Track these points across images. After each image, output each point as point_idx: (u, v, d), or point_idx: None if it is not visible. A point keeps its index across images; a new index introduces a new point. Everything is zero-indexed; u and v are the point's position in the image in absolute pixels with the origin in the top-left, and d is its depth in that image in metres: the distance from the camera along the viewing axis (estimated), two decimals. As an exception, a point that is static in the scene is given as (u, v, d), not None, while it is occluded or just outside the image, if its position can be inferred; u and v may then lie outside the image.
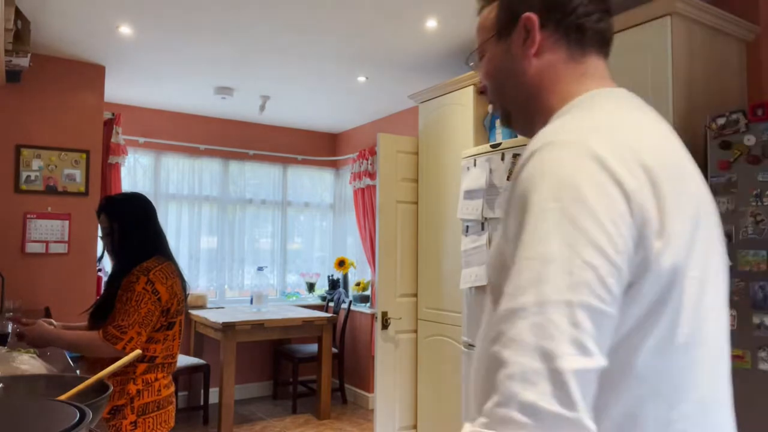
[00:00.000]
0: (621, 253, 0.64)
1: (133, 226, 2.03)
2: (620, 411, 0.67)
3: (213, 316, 4.50)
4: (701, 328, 0.72)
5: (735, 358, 2.10)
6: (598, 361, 0.62)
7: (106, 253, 2.08)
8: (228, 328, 4.20)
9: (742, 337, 2.08)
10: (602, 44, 0.88)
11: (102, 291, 2.12)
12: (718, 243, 0.79)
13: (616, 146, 0.69)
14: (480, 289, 2.95)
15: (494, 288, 0.77)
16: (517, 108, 0.91)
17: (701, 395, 0.71)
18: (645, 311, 0.67)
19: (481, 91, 0.92)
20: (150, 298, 1.91)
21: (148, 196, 2.18)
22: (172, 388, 2.03)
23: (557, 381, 0.58)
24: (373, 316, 4.98)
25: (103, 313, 1.95)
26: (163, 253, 2.05)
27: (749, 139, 2.10)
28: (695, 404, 0.71)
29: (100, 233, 2.12)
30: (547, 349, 0.59)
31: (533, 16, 0.84)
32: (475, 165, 3.02)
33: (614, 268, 0.64)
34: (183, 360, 4.33)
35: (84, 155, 3.78)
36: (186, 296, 2.08)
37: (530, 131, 0.88)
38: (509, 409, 0.59)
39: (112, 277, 2.04)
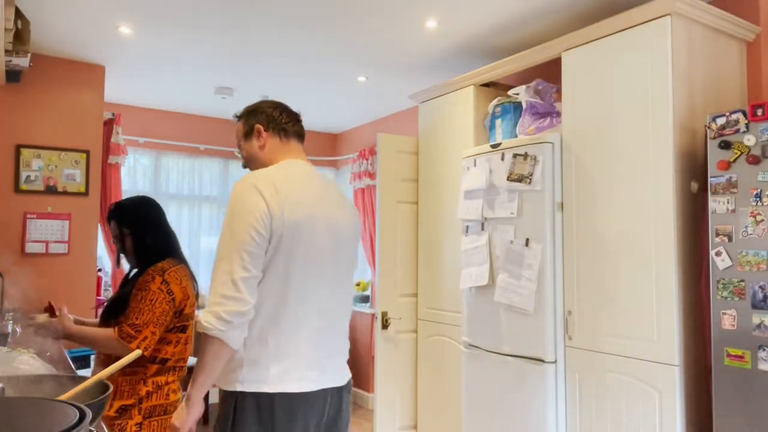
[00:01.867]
0: (262, 227, 1.50)
1: (145, 229, 2.04)
2: (272, 297, 1.54)
3: (213, 316, 4.49)
4: (307, 270, 1.57)
5: (735, 358, 2.10)
6: (254, 274, 1.49)
7: (123, 256, 2.09)
8: (228, 328, 4.20)
9: (742, 337, 2.07)
10: (297, 135, 1.80)
11: (116, 289, 2.14)
12: (338, 245, 1.66)
13: (266, 182, 1.56)
14: (480, 289, 2.95)
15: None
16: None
17: (304, 303, 1.57)
18: (277, 253, 1.53)
19: (243, 166, 1.88)
20: (165, 298, 1.91)
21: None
22: (180, 394, 2.02)
23: (233, 283, 1.46)
24: (373, 316, 4.97)
25: (115, 311, 1.96)
26: (176, 255, 2.06)
27: (749, 139, 2.10)
28: (300, 301, 1.57)
29: (111, 239, 2.14)
30: (230, 271, 1.46)
31: (260, 126, 1.75)
32: (475, 165, 3.02)
33: (257, 233, 1.49)
34: (183, 360, 4.32)
35: (84, 155, 3.78)
36: (197, 299, 2.10)
37: None
38: (216, 298, 1.46)
39: (128, 276, 2.05)
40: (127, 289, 1.97)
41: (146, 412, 1.89)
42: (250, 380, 1.51)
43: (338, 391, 1.64)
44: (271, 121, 1.76)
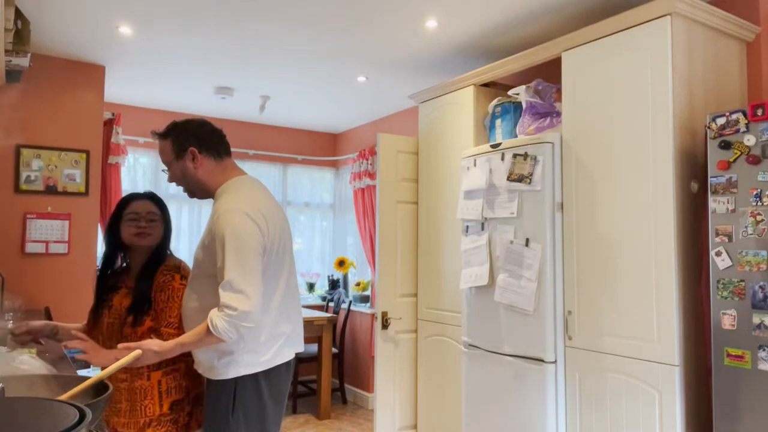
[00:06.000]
0: (261, 251, 1.76)
1: (169, 225, 2.14)
2: (265, 296, 1.79)
3: (213, 316, 4.50)
4: (282, 269, 1.87)
5: (735, 358, 2.10)
6: (262, 291, 1.74)
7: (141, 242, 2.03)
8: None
9: (742, 337, 2.08)
10: (227, 152, 1.97)
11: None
12: (289, 241, 1.95)
13: (252, 207, 1.78)
14: (480, 289, 2.95)
15: (199, 262, 1.85)
16: (197, 191, 1.96)
17: (282, 293, 1.88)
18: (267, 263, 1.80)
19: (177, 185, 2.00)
20: None
21: None
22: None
23: (251, 302, 1.69)
24: (373, 316, 4.97)
25: (141, 312, 1.95)
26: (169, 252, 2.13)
27: (749, 139, 2.10)
28: (281, 293, 1.88)
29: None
30: (248, 291, 1.69)
31: (194, 149, 1.88)
32: (475, 165, 3.02)
33: (260, 256, 1.75)
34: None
35: (84, 155, 3.78)
36: None
37: (205, 198, 1.98)
38: (235, 311, 1.66)
39: (108, 272, 2.04)
40: (143, 290, 1.96)
41: (194, 399, 1.99)
42: (250, 363, 1.79)
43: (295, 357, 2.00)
44: (204, 144, 1.89)
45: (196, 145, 1.88)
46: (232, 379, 1.78)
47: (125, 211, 2.02)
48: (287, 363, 1.90)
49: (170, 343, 1.74)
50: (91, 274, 3.78)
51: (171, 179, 1.96)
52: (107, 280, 2.04)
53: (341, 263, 5.47)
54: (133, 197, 2.08)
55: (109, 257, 2.07)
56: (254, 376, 1.80)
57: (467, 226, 3.06)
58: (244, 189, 1.86)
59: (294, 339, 1.94)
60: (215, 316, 1.68)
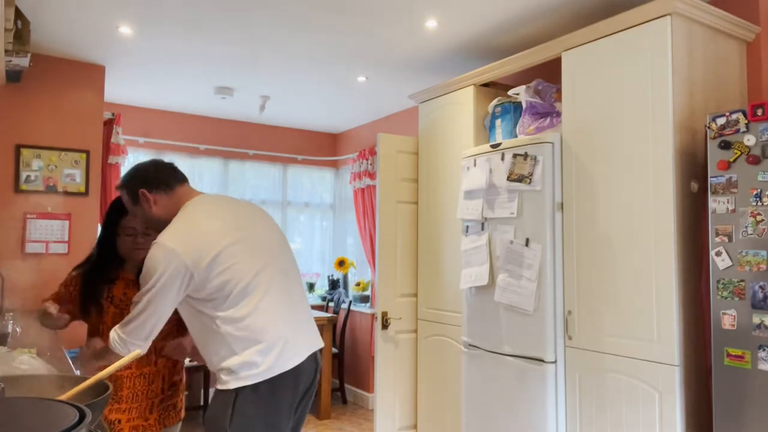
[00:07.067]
0: (184, 288, 1.72)
1: None
2: (247, 308, 1.78)
3: (213, 316, 4.50)
4: (261, 276, 1.80)
5: (735, 358, 2.10)
6: (153, 325, 1.73)
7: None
8: (228, 328, 4.20)
9: (742, 337, 2.07)
10: (180, 181, 1.93)
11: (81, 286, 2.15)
12: (273, 243, 1.92)
13: (181, 239, 1.73)
14: (480, 289, 2.95)
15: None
16: (162, 229, 1.83)
17: (270, 299, 1.82)
18: (231, 279, 1.75)
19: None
20: None
21: None
22: None
23: (148, 335, 1.74)
24: (373, 316, 4.97)
25: None
26: None
27: (749, 139, 2.10)
28: (268, 299, 1.83)
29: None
30: (150, 326, 1.72)
31: (144, 190, 1.86)
32: (475, 165, 3.02)
33: (180, 294, 1.72)
34: (183, 360, 4.33)
35: (84, 155, 3.78)
36: None
37: None
38: (132, 337, 1.72)
39: (102, 269, 2.06)
40: None
41: (185, 384, 2.15)
42: (249, 376, 1.74)
43: (314, 355, 1.91)
44: (151, 182, 1.89)
45: (144, 186, 1.87)
46: (233, 389, 1.76)
47: (121, 224, 2.03)
48: (293, 370, 1.81)
49: (98, 362, 1.80)
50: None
51: (144, 224, 1.97)
52: (100, 273, 2.05)
53: (341, 263, 5.47)
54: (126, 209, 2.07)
55: (104, 261, 2.06)
56: (255, 387, 1.75)
57: (467, 226, 3.06)
58: (184, 217, 1.83)
59: (298, 344, 1.86)
60: (112, 330, 1.76)
